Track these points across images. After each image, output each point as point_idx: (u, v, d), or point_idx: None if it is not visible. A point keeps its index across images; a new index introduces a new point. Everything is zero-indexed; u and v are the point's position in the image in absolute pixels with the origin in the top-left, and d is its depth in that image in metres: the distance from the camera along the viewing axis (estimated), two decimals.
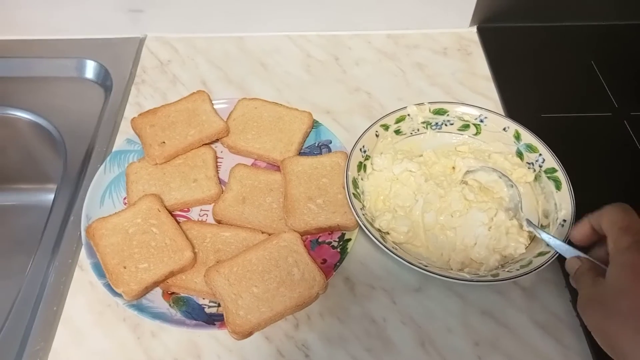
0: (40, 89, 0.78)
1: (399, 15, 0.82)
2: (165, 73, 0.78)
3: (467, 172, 0.60)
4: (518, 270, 0.51)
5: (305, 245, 0.55)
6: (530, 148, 0.61)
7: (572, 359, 0.50)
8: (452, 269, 0.53)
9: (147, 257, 0.54)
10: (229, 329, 0.49)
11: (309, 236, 0.58)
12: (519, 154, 0.62)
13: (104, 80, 0.78)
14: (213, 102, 0.69)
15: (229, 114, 0.68)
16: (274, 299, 0.51)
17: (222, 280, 0.52)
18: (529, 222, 0.54)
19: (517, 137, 0.62)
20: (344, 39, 0.83)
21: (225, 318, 0.50)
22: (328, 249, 0.57)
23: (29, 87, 0.78)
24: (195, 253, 0.55)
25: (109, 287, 0.53)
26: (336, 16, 0.82)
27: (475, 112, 0.64)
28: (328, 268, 0.54)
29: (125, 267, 0.53)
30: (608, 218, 0.44)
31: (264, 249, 0.55)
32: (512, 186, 0.57)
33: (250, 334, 0.50)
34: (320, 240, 0.58)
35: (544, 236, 0.52)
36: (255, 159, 0.66)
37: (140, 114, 0.67)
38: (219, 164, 0.65)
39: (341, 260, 0.55)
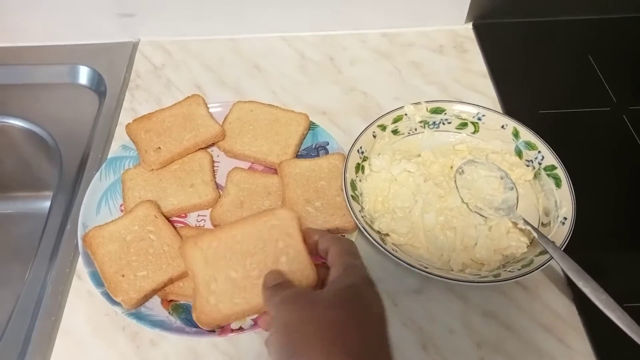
0: (33, 96, 0.77)
1: (393, 14, 0.81)
2: (159, 77, 0.77)
3: (471, 160, 0.59)
4: (519, 270, 0.50)
5: (301, 232, 0.46)
6: (529, 145, 0.60)
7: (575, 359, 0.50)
8: (452, 270, 0.53)
9: (145, 264, 0.54)
10: (194, 316, 0.44)
11: None
12: (518, 152, 0.61)
13: (98, 86, 0.77)
14: (208, 105, 0.68)
15: (225, 118, 0.67)
16: (252, 290, 0.43)
17: (199, 255, 0.45)
18: (525, 222, 0.54)
19: (516, 134, 0.61)
20: (338, 39, 0.82)
21: (192, 302, 0.44)
22: None
23: (22, 95, 0.77)
24: None
25: (107, 296, 0.52)
26: (330, 16, 0.81)
27: (473, 110, 0.63)
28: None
29: (123, 276, 0.53)
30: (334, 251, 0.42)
31: (253, 225, 0.46)
32: (511, 188, 0.57)
33: (217, 326, 0.44)
34: None
35: (537, 236, 0.52)
36: (252, 163, 0.65)
37: (134, 120, 0.66)
38: (215, 168, 0.65)
39: None
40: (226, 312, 0.43)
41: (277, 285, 0.41)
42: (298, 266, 0.44)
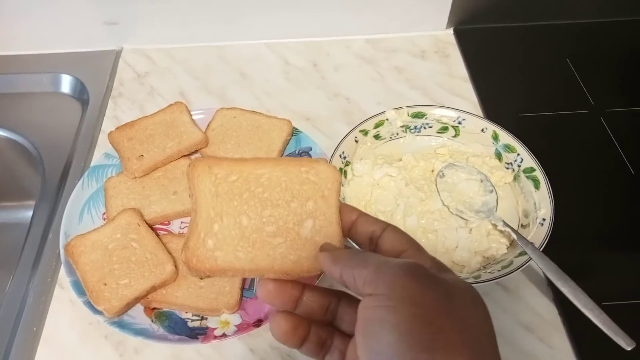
0: (15, 105, 0.77)
1: (376, 20, 0.82)
2: (142, 85, 0.77)
3: (452, 164, 0.60)
4: (500, 271, 0.51)
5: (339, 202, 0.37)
6: (509, 148, 0.61)
7: (556, 359, 0.50)
8: None
9: (127, 272, 0.53)
10: (183, 257, 0.35)
11: None
12: (498, 155, 0.62)
13: (81, 94, 0.77)
14: (191, 112, 0.68)
15: (208, 125, 0.68)
16: (262, 248, 0.35)
17: (210, 184, 0.36)
18: (505, 223, 0.55)
19: (495, 137, 0.62)
20: (322, 45, 0.83)
21: (185, 240, 0.35)
22: None
23: (4, 104, 0.77)
24: (176, 266, 0.54)
25: (89, 305, 0.52)
26: (314, 22, 0.82)
27: (453, 114, 0.64)
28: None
29: (105, 284, 0.53)
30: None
31: (285, 171, 0.37)
32: (491, 191, 0.58)
33: (207, 275, 0.35)
34: None
35: (517, 238, 0.53)
36: None
37: (117, 128, 0.66)
38: None
39: None
40: (222, 264, 0.35)
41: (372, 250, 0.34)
42: (323, 238, 0.35)
